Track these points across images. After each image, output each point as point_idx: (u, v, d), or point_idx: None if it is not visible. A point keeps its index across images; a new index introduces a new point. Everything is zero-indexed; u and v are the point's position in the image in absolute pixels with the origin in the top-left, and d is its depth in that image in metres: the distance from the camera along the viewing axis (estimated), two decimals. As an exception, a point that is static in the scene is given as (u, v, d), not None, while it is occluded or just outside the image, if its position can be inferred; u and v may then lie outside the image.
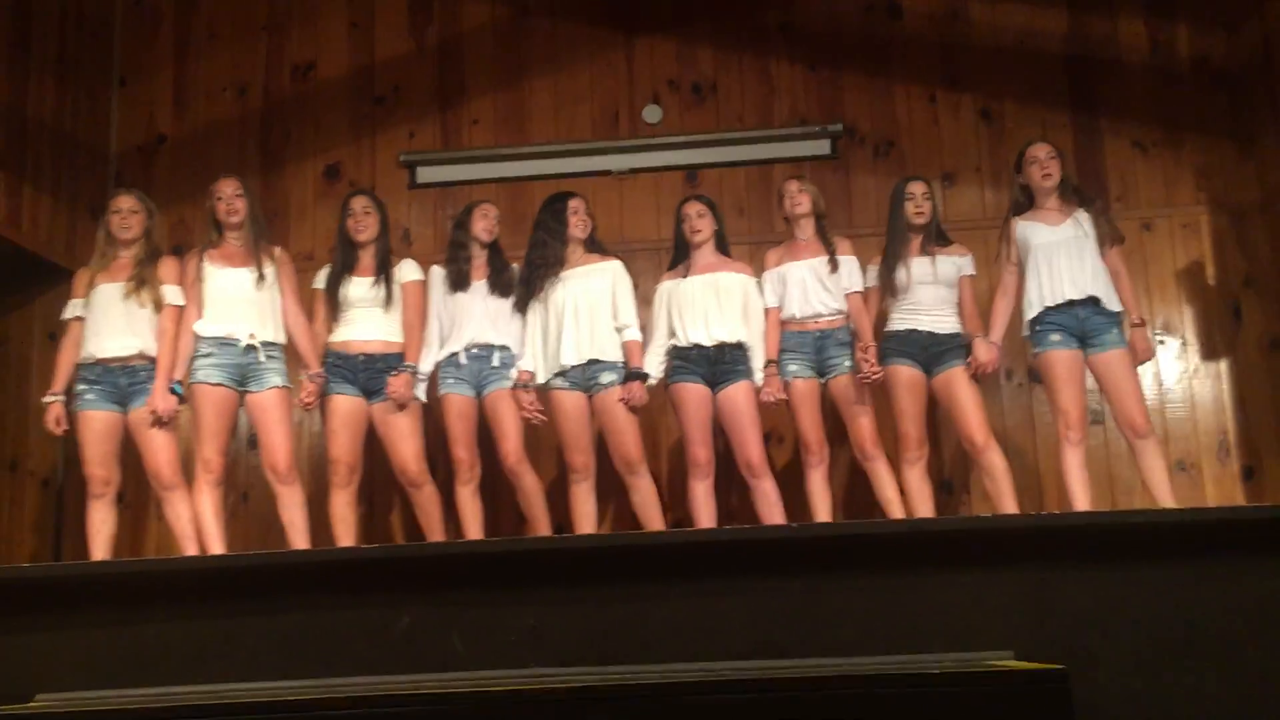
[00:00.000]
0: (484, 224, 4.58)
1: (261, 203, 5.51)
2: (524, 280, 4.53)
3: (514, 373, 4.45)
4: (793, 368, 4.42)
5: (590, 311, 4.39)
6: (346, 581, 3.31)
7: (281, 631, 3.24)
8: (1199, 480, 5.06)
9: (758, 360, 4.43)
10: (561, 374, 4.38)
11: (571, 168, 5.58)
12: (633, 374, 4.35)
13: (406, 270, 4.55)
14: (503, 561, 3.34)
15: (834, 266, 4.46)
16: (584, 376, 4.37)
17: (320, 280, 4.53)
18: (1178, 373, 5.18)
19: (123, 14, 5.91)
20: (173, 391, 4.23)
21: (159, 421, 4.21)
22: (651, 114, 5.63)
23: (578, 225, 4.51)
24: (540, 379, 4.43)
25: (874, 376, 4.30)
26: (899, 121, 5.53)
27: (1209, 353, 5.17)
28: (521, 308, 4.50)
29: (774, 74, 5.63)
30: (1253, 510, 4.04)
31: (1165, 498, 4.10)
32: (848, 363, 4.40)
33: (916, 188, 4.48)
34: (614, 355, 4.38)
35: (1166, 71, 5.43)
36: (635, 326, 4.43)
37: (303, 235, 5.50)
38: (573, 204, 4.54)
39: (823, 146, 5.52)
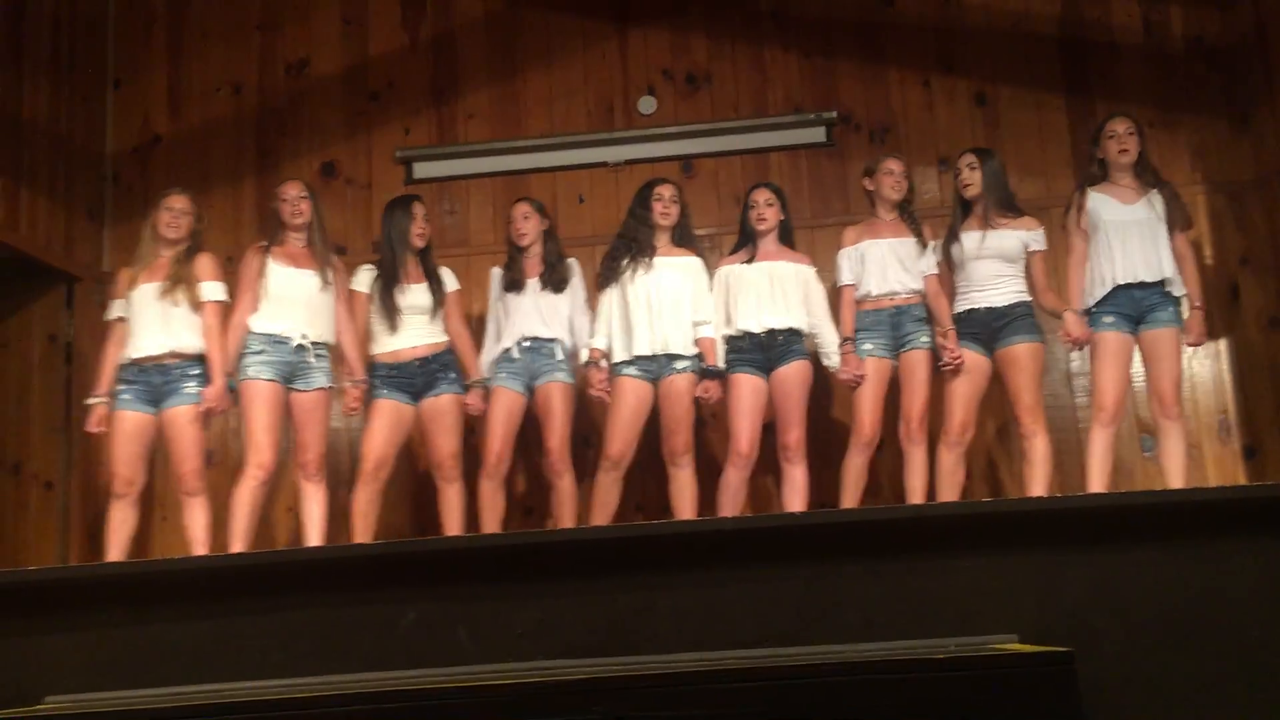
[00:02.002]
0: (512, 229, 4.64)
1: (258, 202, 5.54)
2: (608, 261, 4.55)
3: (585, 352, 4.48)
4: (868, 346, 4.42)
5: (669, 304, 4.41)
6: (352, 578, 3.31)
7: (288, 629, 3.24)
8: (1200, 460, 5.06)
9: (831, 342, 4.42)
10: (633, 362, 4.39)
11: (567, 160, 5.59)
12: (709, 372, 4.36)
13: (448, 280, 4.62)
14: (508, 555, 3.34)
15: (923, 246, 4.47)
16: (656, 367, 4.39)
17: (362, 284, 4.55)
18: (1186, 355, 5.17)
19: (116, 15, 5.90)
20: (229, 388, 4.28)
21: (209, 415, 4.28)
22: (646, 105, 5.63)
23: (660, 212, 4.51)
24: (617, 358, 4.43)
25: (955, 362, 4.29)
26: (894, 107, 5.53)
27: (1208, 332, 5.16)
28: (603, 287, 4.52)
29: (768, 62, 5.63)
30: (1255, 489, 4.05)
31: (1177, 480, 4.13)
32: (924, 338, 4.40)
33: (962, 161, 4.49)
34: (686, 348, 4.40)
35: (1160, 52, 5.43)
36: (712, 324, 4.45)
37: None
38: (658, 190, 4.55)
39: (818, 134, 5.52)
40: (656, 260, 4.48)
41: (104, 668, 3.24)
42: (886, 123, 5.51)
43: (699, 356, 4.43)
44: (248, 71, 5.82)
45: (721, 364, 4.43)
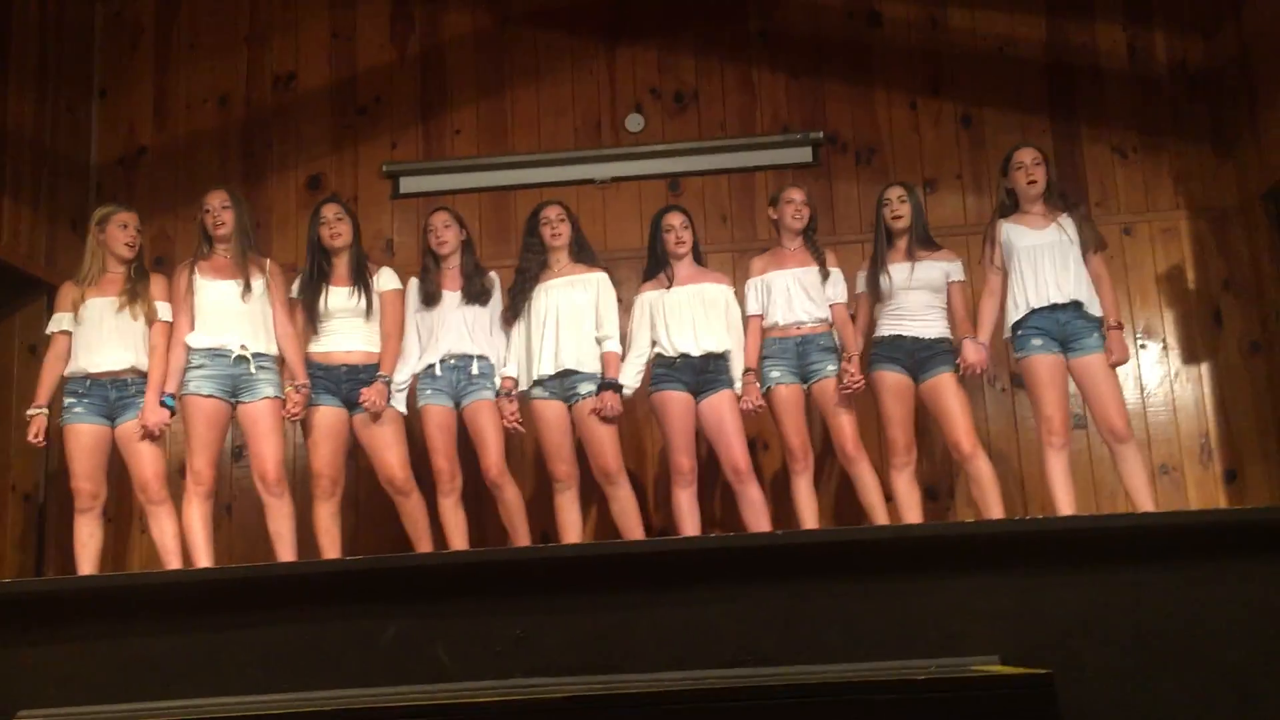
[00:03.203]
0: (432, 237, 4.57)
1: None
2: (512, 290, 4.54)
3: (498, 380, 4.45)
4: (775, 374, 4.43)
5: (570, 322, 4.40)
6: (331, 594, 3.29)
7: (267, 644, 3.22)
8: (1181, 483, 5.09)
9: (738, 369, 4.43)
10: (540, 384, 4.39)
11: (554, 177, 5.59)
12: (607, 384, 4.35)
13: (385, 279, 4.54)
14: (487, 572, 3.33)
15: (825, 276, 4.47)
16: (562, 387, 4.38)
17: (294, 290, 4.51)
18: (1159, 376, 5.21)
19: (103, 25, 5.89)
20: (164, 405, 4.23)
21: (149, 435, 4.21)
22: (633, 123, 5.64)
23: (549, 234, 4.51)
24: (522, 387, 4.43)
25: (855, 386, 4.32)
26: (880, 128, 5.56)
27: (1190, 356, 5.20)
28: (509, 318, 4.50)
29: (755, 82, 5.65)
30: (1235, 513, 4.06)
31: (1145, 503, 4.13)
32: (831, 367, 4.41)
33: (893, 193, 4.51)
34: (591, 366, 4.39)
35: (1145, 77, 5.48)
36: (616, 338, 4.43)
37: (286, 246, 5.46)
38: (543, 213, 4.56)
39: (805, 154, 5.54)
40: (556, 280, 4.48)
41: (80, 682, 3.22)
42: (873, 143, 5.54)
43: (599, 375, 4.39)
44: (235, 83, 5.81)
45: (636, 383, 4.43)
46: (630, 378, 4.44)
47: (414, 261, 5.23)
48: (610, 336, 4.43)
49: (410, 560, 3.85)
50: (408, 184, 5.66)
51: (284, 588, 3.33)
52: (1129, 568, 3.10)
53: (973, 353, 4.31)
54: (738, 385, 4.42)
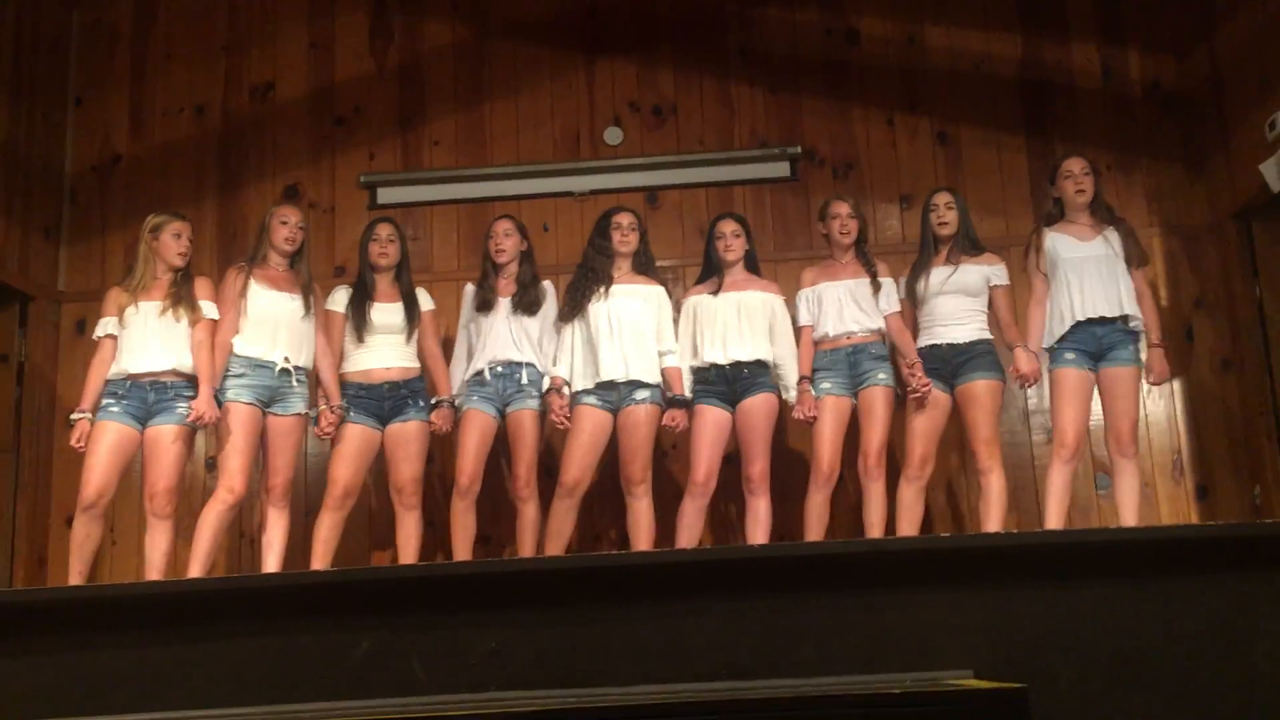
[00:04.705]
0: (491, 244, 4.62)
1: (219, 223, 5.51)
2: (570, 291, 4.57)
3: (547, 380, 4.47)
4: (825, 385, 4.43)
5: (632, 331, 4.42)
6: (304, 606, 3.27)
7: (239, 657, 3.19)
8: (1153, 499, 5.12)
9: (791, 377, 4.44)
10: (594, 390, 4.39)
11: (532, 189, 5.60)
12: (676, 401, 4.37)
13: (422, 300, 4.63)
14: (463, 584, 3.32)
15: (876, 288, 4.48)
16: (618, 395, 4.38)
17: (338, 303, 4.55)
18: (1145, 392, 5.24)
19: (79, 33, 5.86)
20: (215, 399, 4.25)
21: (194, 430, 4.27)
22: (612, 136, 5.66)
23: (618, 239, 4.53)
24: (577, 387, 4.43)
25: (923, 390, 4.31)
26: (858, 144, 5.59)
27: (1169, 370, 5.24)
28: (568, 315, 4.51)
29: (734, 97, 5.68)
30: (1207, 529, 4.10)
31: (1131, 518, 4.17)
32: (882, 375, 4.41)
33: (940, 199, 4.54)
34: (648, 375, 4.40)
35: (1119, 96, 5.54)
36: (676, 353, 4.47)
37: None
38: (616, 218, 4.58)
39: (782, 169, 5.57)
40: (617, 288, 4.49)
41: (49, 695, 3.18)
42: (850, 159, 5.57)
43: (659, 387, 4.43)
44: (212, 93, 5.79)
45: (688, 394, 4.44)
46: (686, 387, 4.46)
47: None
48: (671, 351, 4.47)
49: (384, 573, 3.84)
50: (385, 195, 5.65)
51: (258, 600, 3.31)
52: (1102, 582, 3.11)
53: (1025, 363, 4.33)
54: (790, 393, 4.42)
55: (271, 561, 4.30)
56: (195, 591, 3.49)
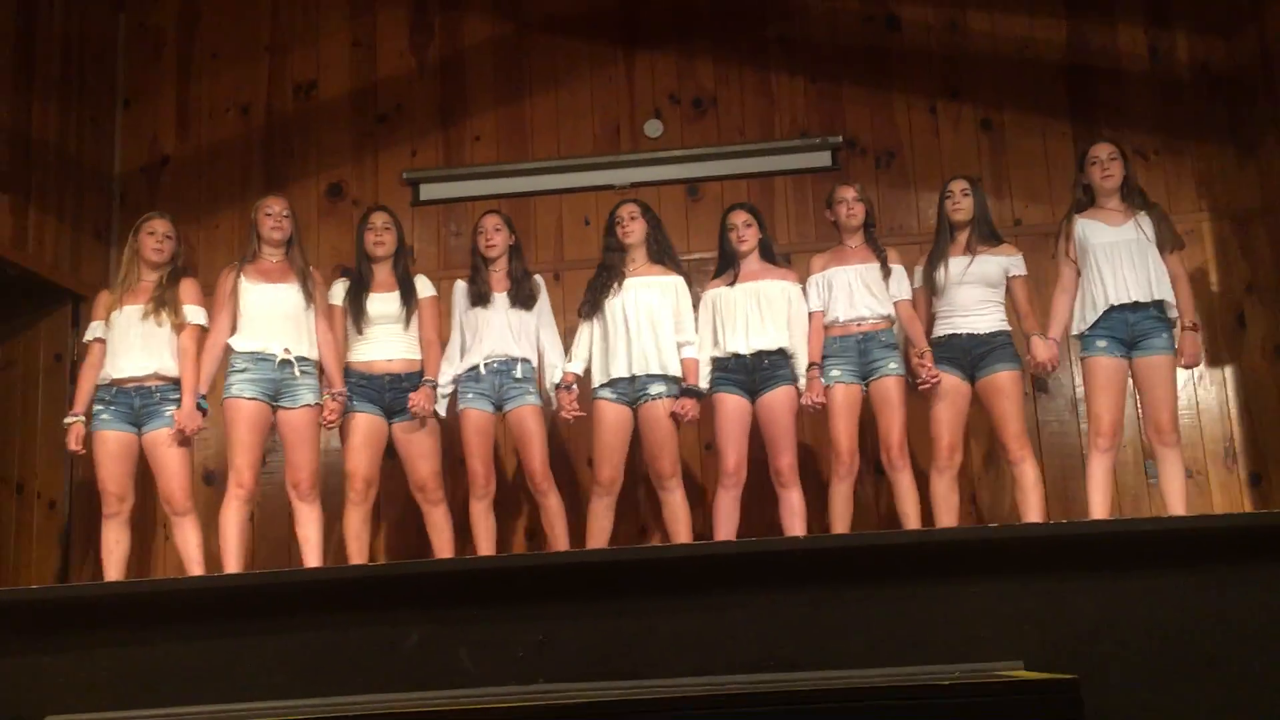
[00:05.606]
0: (481, 239, 4.58)
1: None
2: (591, 285, 4.55)
3: (558, 374, 4.47)
4: (835, 372, 4.39)
5: (645, 324, 4.39)
6: (354, 599, 3.30)
7: (290, 650, 3.23)
8: (1206, 487, 5.05)
9: (801, 365, 4.42)
10: (610, 385, 4.39)
11: (573, 183, 5.61)
12: (689, 391, 4.36)
13: (422, 287, 4.58)
14: (510, 577, 3.34)
15: (886, 274, 4.46)
16: (632, 389, 4.38)
17: (336, 296, 4.55)
18: (1183, 380, 5.15)
19: (126, 35, 5.94)
20: (198, 407, 4.26)
21: (184, 439, 4.24)
22: (652, 128, 5.65)
23: (620, 232, 4.52)
24: (595, 383, 4.43)
25: (932, 381, 4.28)
26: (900, 132, 5.55)
27: (1213, 359, 5.16)
28: (586, 312, 4.51)
29: (774, 87, 5.65)
30: (1260, 517, 4.03)
31: (1178, 506, 4.10)
32: (893, 365, 4.37)
33: (955, 185, 4.49)
34: (663, 368, 4.37)
35: (1166, 79, 5.45)
36: (695, 344, 4.44)
37: (306, 253, 5.49)
38: (617, 212, 4.57)
39: (824, 158, 5.54)
40: (632, 280, 4.47)
41: (105, 688, 3.24)
42: (892, 147, 5.53)
43: (676, 379, 4.39)
44: (256, 92, 5.85)
45: (705, 385, 4.42)
46: (703, 379, 4.44)
47: (435, 269, 5.30)
48: (690, 342, 4.44)
49: (433, 566, 3.87)
50: (428, 191, 5.69)
51: (307, 593, 3.35)
52: (1154, 572, 3.08)
53: (1043, 350, 4.29)
54: (801, 382, 4.40)
55: (311, 557, 4.29)
56: (247, 586, 3.54)
